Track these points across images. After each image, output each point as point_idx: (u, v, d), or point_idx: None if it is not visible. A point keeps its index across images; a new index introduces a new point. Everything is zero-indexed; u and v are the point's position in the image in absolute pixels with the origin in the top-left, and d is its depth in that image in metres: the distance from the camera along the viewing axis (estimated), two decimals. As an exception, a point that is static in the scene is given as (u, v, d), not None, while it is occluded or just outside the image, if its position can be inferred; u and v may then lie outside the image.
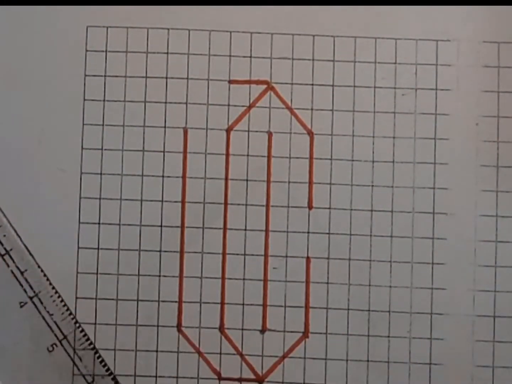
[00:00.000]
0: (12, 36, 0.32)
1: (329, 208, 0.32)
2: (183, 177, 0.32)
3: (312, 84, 0.32)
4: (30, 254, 0.31)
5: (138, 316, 0.32)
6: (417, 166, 0.32)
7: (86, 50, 0.32)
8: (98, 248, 0.31)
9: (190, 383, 0.31)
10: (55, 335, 0.31)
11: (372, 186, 0.32)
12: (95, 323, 0.31)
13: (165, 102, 0.32)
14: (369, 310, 0.32)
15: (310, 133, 0.32)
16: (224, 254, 0.32)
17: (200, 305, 0.32)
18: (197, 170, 0.32)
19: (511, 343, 0.31)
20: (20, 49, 0.32)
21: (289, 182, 0.32)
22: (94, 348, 0.31)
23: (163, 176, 0.32)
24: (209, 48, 0.32)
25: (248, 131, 0.32)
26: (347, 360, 0.31)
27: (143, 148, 0.32)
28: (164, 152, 0.32)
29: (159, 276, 0.32)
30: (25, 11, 0.32)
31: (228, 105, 0.32)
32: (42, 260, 0.31)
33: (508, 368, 0.31)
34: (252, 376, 0.32)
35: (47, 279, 0.31)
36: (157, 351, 0.32)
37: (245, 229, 0.32)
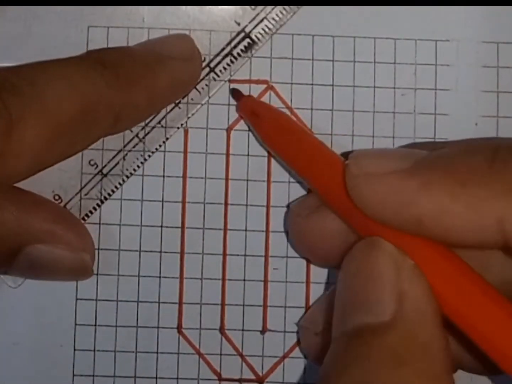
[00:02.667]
0: (13, 37, 0.32)
1: (329, 208, 0.32)
2: (184, 177, 0.32)
3: (312, 84, 0.32)
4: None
5: (138, 317, 0.31)
6: (416, 166, 0.32)
7: (87, 50, 0.32)
8: (98, 249, 0.31)
9: (190, 384, 0.31)
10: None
11: (372, 186, 0.32)
12: (95, 325, 0.31)
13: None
14: (369, 310, 0.31)
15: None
16: (224, 255, 0.32)
17: (201, 307, 0.32)
18: (198, 170, 0.32)
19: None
20: (20, 49, 0.32)
21: (289, 182, 0.32)
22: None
23: (163, 176, 0.32)
24: (209, 49, 0.32)
25: (248, 131, 0.32)
26: (347, 361, 0.31)
27: (144, 148, 0.32)
28: (164, 152, 0.32)
29: (160, 277, 0.31)
30: (26, 12, 0.32)
31: (229, 104, 0.32)
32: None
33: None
34: (252, 377, 0.32)
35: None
36: (157, 352, 0.31)
37: (246, 230, 0.32)
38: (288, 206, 0.32)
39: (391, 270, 0.23)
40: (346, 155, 0.26)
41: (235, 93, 0.32)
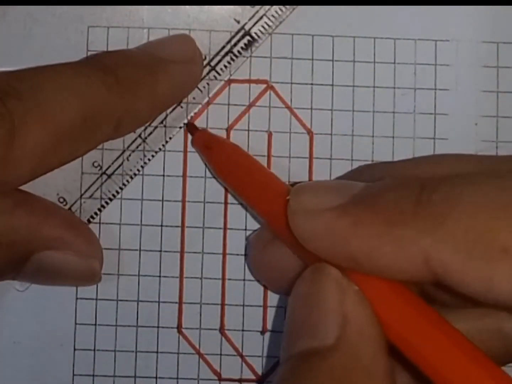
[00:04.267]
0: (13, 37, 0.32)
1: (329, 208, 0.32)
2: (184, 176, 0.32)
3: (312, 84, 0.32)
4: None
5: (138, 317, 0.31)
6: (416, 166, 0.32)
7: (87, 50, 0.32)
8: (98, 249, 0.31)
9: (190, 384, 0.31)
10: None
11: (372, 186, 0.32)
12: (95, 324, 0.31)
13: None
14: (369, 310, 0.31)
15: (310, 133, 0.32)
16: (224, 254, 0.32)
17: (200, 306, 0.32)
18: (198, 169, 0.32)
19: (511, 343, 0.31)
20: (21, 52, 0.32)
21: (289, 181, 0.32)
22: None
23: (163, 176, 0.32)
24: (209, 48, 0.32)
25: (248, 130, 0.32)
26: (347, 361, 0.31)
27: (144, 147, 0.32)
28: (164, 151, 0.32)
29: (160, 276, 0.31)
30: (25, 14, 0.32)
31: (228, 104, 0.32)
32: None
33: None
34: (252, 377, 0.31)
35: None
36: (157, 352, 0.31)
37: (245, 229, 0.32)
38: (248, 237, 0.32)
39: (335, 294, 0.24)
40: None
41: (189, 128, 0.32)
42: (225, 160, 0.30)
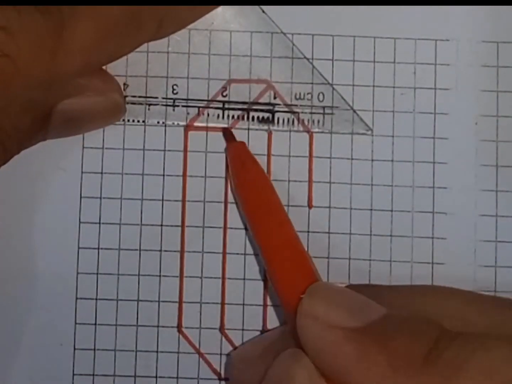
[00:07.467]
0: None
1: (329, 207, 0.32)
2: (184, 175, 0.32)
3: (312, 83, 0.32)
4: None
5: (138, 316, 0.31)
6: (416, 166, 0.32)
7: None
8: (98, 248, 0.31)
9: (190, 384, 0.31)
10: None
11: (372, 185, 0.32)
12: (95, 324, 0.31)
13: (166, 104, 0.32)
14: (369, 310, 0.31)
15: (310, 132, 0.32)
16: (224, 253, 0.32)
17: (200, 305, 0.32)
18: (198, 168, 0.32)
19: (511, 343, 0.31)
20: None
21: (289, 181, 0.32)
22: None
23: (163, 175, 0.32)
24: (209, 48, 0.32)
25: (248, 129, 0.32)
26: (347, 360, 0.31)
27: (144, 147, 0.32)
28: (164, 150, 0.32)
29: (159, 276, 0.31)
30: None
31: (228, 104, 0.32)
32: (42, 260, 0.31)
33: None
34: (253, 377, 0.32)
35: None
36: (157, 351, 0.31)
37: (246, 228, 0.32)
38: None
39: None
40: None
41: (226, 134, 0.32)
42: (252, 187, 0.30)
